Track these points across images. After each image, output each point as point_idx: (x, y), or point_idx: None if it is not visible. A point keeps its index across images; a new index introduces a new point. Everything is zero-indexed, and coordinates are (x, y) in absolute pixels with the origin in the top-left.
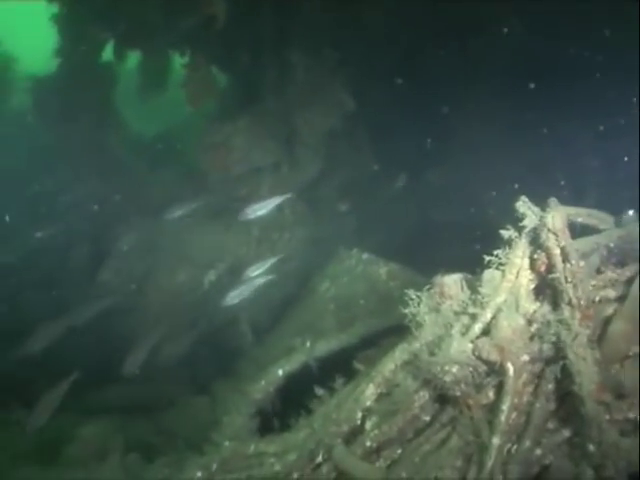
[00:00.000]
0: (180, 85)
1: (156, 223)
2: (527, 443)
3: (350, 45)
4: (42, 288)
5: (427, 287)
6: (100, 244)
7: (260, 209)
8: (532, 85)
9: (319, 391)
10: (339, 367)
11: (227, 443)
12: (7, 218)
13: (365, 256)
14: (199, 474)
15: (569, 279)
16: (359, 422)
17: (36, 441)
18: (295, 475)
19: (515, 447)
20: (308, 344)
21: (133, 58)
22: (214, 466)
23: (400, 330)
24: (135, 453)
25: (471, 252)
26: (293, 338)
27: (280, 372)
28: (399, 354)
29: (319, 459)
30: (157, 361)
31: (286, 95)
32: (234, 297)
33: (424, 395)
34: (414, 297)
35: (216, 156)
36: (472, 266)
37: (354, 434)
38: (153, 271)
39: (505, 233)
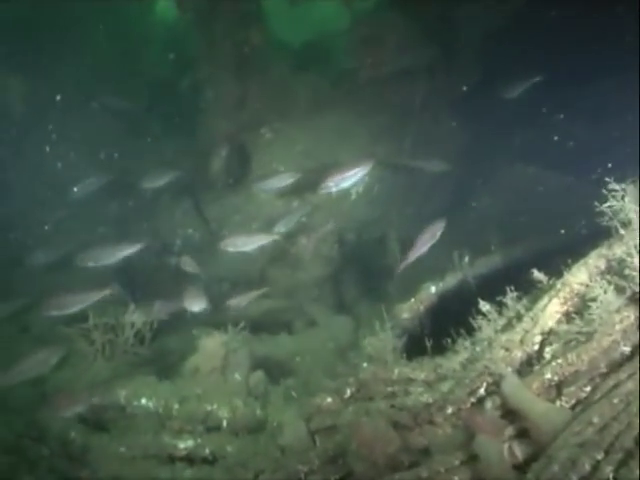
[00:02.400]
0: None
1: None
2: None
3: None
4: None
5: (631, 180)
6: (238, 146)
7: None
8: None
9: (484, 306)
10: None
11: (366, 365)
12: None
13: (531, 170)
14: (329, 400)
15: None
16: (537, 347)
17: (157, 349)
18: (449, 409)
19: None
20: (467, 259)
21: None
22: (348, 391)
23: (576, 250)
24: (261, 370)
25: None
26: (448, 255)
27: (432, 289)
28: (594, 261)
29: (481, 392)
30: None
31: None
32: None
33: (629, 315)
34: (618, 189)
35: (367, 51)
36: None
37: (529, 363)
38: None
39: None
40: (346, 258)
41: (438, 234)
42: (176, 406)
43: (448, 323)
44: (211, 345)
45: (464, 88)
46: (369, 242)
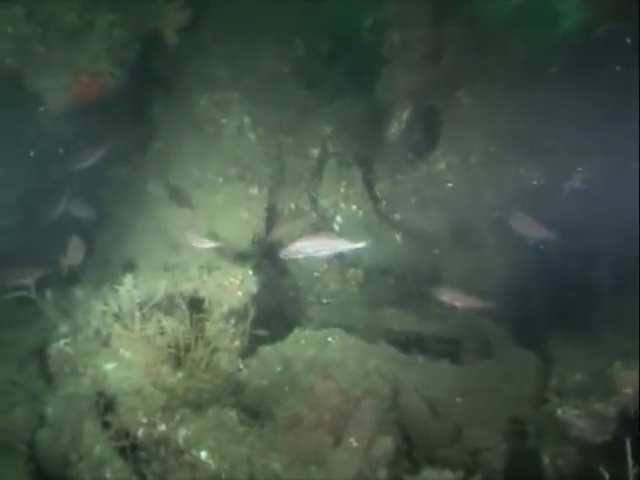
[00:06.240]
0: None
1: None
2: None
3: None
4: None
5: None
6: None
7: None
8: None
9: None
10: None
11: None
12: None
13: None
14: None
15: None
16: None
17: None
18: None
19: None
20: None
21: None
22: None
23: None
24: (391, 439)
25: None
26: None
27: None
28: None
29: None
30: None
31: None
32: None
33: None
34: None
35: None
36: None
37: None
38: None
39: None
40: (541, 270)
41: None
42: (242, 477)
43: None
44: (323, 389)
45: None
46: (573, 253)
